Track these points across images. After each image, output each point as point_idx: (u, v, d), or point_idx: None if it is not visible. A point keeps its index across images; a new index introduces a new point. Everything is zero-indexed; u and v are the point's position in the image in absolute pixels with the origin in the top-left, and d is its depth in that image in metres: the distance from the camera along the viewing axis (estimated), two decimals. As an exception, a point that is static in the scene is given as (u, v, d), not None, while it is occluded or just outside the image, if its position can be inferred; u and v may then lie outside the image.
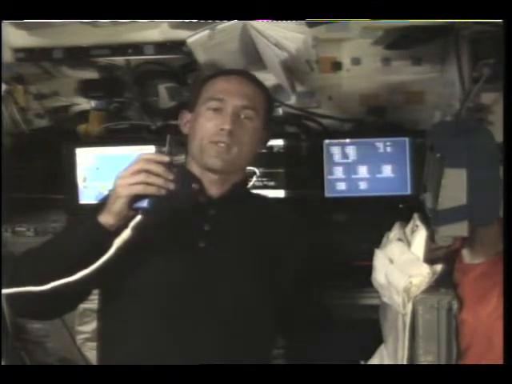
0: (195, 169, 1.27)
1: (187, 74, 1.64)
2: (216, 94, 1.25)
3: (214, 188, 1.27)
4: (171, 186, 1.06)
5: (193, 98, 1.32)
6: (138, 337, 1.17)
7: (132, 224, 1.04)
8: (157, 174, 1.06)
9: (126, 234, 1.04)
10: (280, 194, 1.69)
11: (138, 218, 1.05)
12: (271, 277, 1.26)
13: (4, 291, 1.03)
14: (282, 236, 1.31)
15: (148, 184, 1.05)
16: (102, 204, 1.14)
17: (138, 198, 1.06)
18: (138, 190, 1.05)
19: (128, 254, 1.04)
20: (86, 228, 1.10)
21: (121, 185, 1.06)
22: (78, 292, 1.14)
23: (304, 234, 1.36)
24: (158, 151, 1.12)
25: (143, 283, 1.19)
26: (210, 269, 1.20)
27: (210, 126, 1.23)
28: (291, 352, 1.43)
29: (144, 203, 1.06)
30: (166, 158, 1.08)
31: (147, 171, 1.05)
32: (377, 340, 1.33)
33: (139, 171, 1.06)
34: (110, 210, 1.08)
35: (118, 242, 1.04)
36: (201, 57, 1.42)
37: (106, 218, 1.08)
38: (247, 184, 1.41)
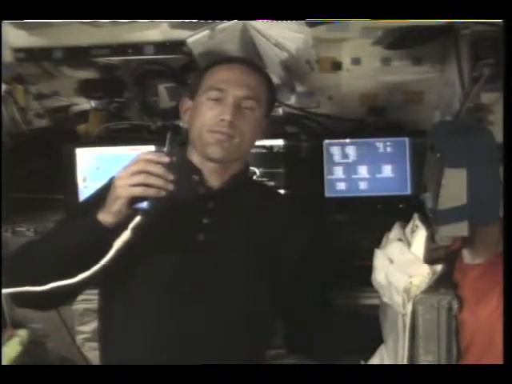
0: (195, 158, 1.26)
1: (187, 74, 1.64)
2: (217, 84, 1.23)
3: (213, 178, 1.26)
4: (171, 187, 1.06)
5: (194, 86, 1.30)
6: (139, 336, 1.17)
7: (131, 225, 1.04)
8: (157, 175, 1.05)
9: (125, 235, 1.04)
10: (280, 194, 1.68)
11: (138, 218, 1.04)
12: (271, 269, 1.26)
13: (3, 291, 1.03)
14: (282, 228, 1.30)
15: (148, 186, 1.05)
16: (96, 199, 1.14)
17: (137, 198, 1.06)
18: (138, 191, 1.05)
19: (127, 253, 1.04)
20: (84, 225, 1.10)
21: (120, 185, 1.06)
22: (77, 289, 1.14)
23: (305, 226, 1.35)
24: (159, 151, 1.11)
25: (142, 280, 1.18)
26: (209, 262, 1.20)
27: (210, 116, 1.21)
28: (292, 347, 1.44)
29: (144, 204, 1.05)
30: (166, 159, 1.07)
31: (147, 172, 1.05)
32: (377, 340, 1.33)
33: (139, 172, 1.05)
34: (110, 209, 1.07)
35: (117, 243, 1.03)
36: (201, 57, 1.41)
37: (105, 217, 1.08)
38: (247, 173, 1.39)
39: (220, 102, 1.22)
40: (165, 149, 1.11)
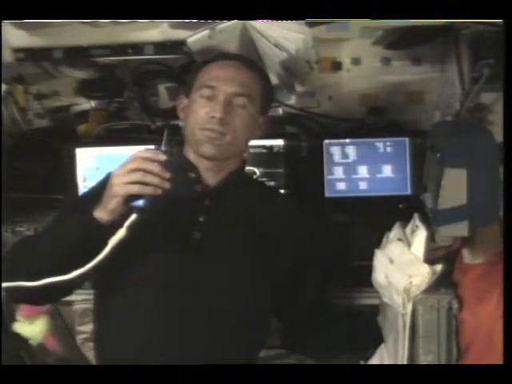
0: (191, 155, 1.26)
1: (187, 74, 1.64)
2: (208, 82, 1.23)
3: (210, 176, 1.26)
4: (167, 186, 1.06)
5: (189, 83, 1.30)
6: (135, 335, 1.17)
7: (127, 223, 1.03)
8: (153, 174, 1.05)
9: (120, 233, 1.03)
10: (280, 193, 1.68)
11: (133, 216, 1.04)
12: (269, 268, 1.26)
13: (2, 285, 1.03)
14: (280, 227, 1.30)
15: (144, 184, 1.05)
16: (93, 195, 1.15)
17: (133, 196, 1.06)
18: (135, 189, 1.04)
19: (123, 252, 1.04)
20: (80, 222, 1.10)
21: (117, 183, 1.05)
22: (71, 285, 1.14)
23: (304, 226, 1.34)
24: (156, 149, 1.11)
25: (138, 278, 1.18)
26: (205, 261, 1.19)
27: (202, 114, 1.21)
28: (291, 346, 1.44)
29: (140, 202, 1.05)
30: (163, 157, 1.07)
31: (143, 170, 1.05)
32: (377, 340, 1.33)
33: (135, 170, 1.05)
34: (106, 207, 1.07)
35: (112, 241, 1.03)
36: (201, 57, 1.41)
37: (101, 214, 1.07)
38: (244, 171, 1.38)
39: (211, 99, 1.22)
40: (162, 147, 1.11)
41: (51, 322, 1.58)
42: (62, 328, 1.61)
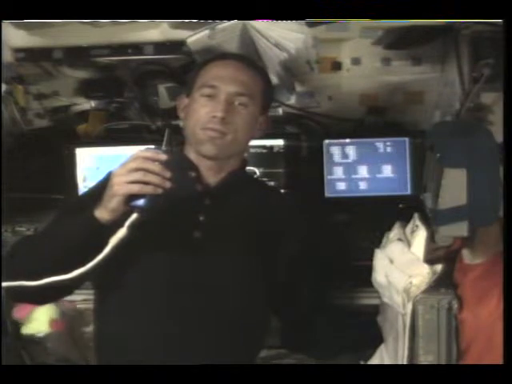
0: (192, 155, 1.26)
1: (187, 74, 1.64)
2: (209, 81, 1.23)
3: (210, 175, 1.26)
4: (168, 185, 1.06)
5: (189, 83, 1.30)
6: (134, 335, 1.17)
7: (127, 223, 1.04)
8: (154, 173, 1.05)
9: (121, 232, 1.03)
10: (280, 194, 1.68)
11: (134, 216, 1.04)
12: (269, 267, 1.26)
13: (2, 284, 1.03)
14: (281, 226, 1.30)
15: (145, 183, 1.04)
16: (94, 194, 1.15)
17: (134, 195, 1.06)
18: (135, 189, 1.04)
19: (123, 251, 1.04)
20: (81, 222, 1.10)
21: (117, 183, 1.05)
22: (72, 284, 1.14)
23: (304, 225, 1.34)
24: (157, 148, 1.11)
25: (138, 278, 1.18)
26: (206, 260, 1.19)
27: (203, 113, 1.21)
28: (291, 347, 1.45)
29: (140, 202, 1.05)
30: (164, 156, 1.07)
31: (144, 170, 1.05)
32: (377, 340, 1.33)
33: (136, 169, 1.05)
34: (107, 206, 1.07)
35: (113, 240, 1.03)
36: (201, 57, 1.42)
37: (102, 214, 1.07)
38: (244, 170, 1.38)
39: (212, 98, 1.22)
40: (163, 146, 1.10)
41: (55, 309, 1.57)
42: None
